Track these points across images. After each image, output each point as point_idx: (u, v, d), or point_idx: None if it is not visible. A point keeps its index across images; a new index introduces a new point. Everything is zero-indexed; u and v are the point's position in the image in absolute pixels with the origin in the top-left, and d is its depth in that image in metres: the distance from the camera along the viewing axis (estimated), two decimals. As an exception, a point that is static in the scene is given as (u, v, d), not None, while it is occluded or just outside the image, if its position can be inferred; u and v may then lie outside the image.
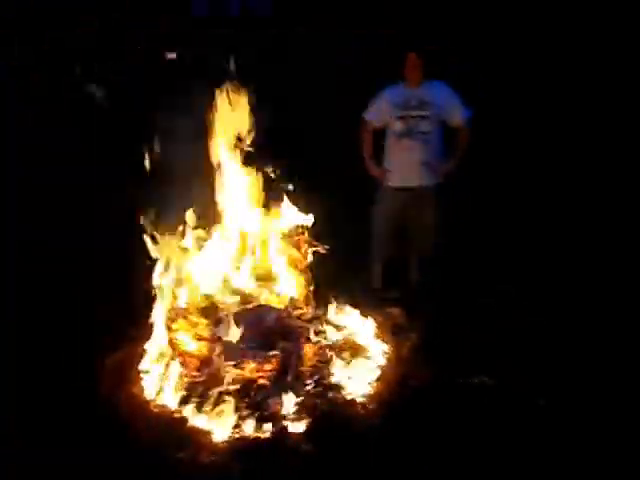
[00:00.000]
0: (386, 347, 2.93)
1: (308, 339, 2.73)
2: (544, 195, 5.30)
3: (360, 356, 2.82)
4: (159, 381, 2.61)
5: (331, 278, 3.50)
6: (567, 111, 6.18)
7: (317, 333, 2.86)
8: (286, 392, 2.49)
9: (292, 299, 3.00)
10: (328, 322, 2.99)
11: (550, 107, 6.31)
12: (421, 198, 4.30)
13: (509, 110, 6.27)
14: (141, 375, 2.69)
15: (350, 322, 3.07)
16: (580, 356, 2.95)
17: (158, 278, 2.81)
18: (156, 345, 2.73)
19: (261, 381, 2.56)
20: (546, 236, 4.69)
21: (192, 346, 2.69)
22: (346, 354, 2.81)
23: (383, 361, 2.83)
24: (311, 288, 3.13)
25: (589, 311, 3.44)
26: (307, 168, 5.07)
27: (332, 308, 3.09)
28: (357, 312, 3.12)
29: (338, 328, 2.98)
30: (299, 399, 2.48)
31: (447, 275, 4.27)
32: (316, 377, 2.60)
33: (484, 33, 6.76)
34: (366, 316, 3.13)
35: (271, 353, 2.62)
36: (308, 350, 2.68)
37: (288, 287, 3.05)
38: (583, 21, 6.42)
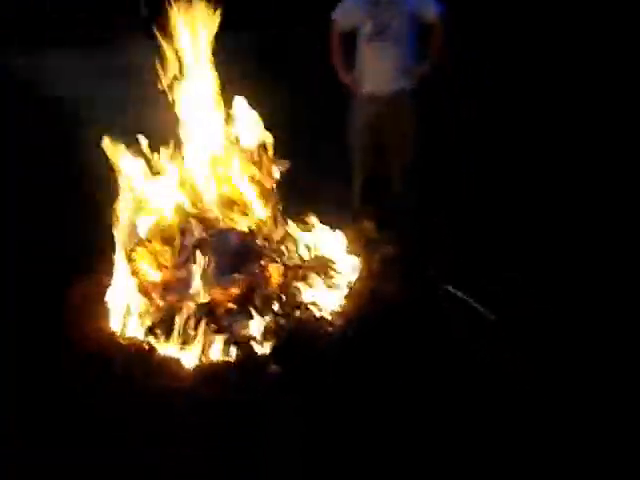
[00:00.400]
0: (357, 262, 2.86)
1: (274, 260, 2.64)
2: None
3: (330, 273, 2.75)
4: (125, 313, 2.56)
5: (304, 197, 3.39)
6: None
7: (285, 253, 2.78)
8: (252, 315, 2.45)
9: (259, 220, 2.90)
10: (297, 241, 2.90)
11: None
12: (397, 105, 4.09)
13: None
14: (106, 308, 2.64)
15: (321, 239, 2.98)
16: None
17: (117, 207, 2.70)
18: (119, 276, 2.66)
19: (228, 305, 2.51)
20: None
21: (155, 275, 2.62)
22: (316, 271, 2.74)
23: (354, 277, 2.76)
24: (279, 208, 3.02)
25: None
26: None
27: (301, 227, 3.00)
28: (328, 228, 3.02)
29: (307, 246, 2.90)
30: (266, 321, 2.43)
31: (427, 188, 4.13)
32: (283, 297, 2.54)
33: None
34: (338, 232, 3.03)
35: (236, 276, 2.55)
36: (275, 271, 2.60)
37: (254, 208, 2.93)
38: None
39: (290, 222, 3.00)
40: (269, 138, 2.97)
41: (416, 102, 4.10)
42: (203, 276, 2.53)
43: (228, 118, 2.95)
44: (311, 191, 3.86)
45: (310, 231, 3.00)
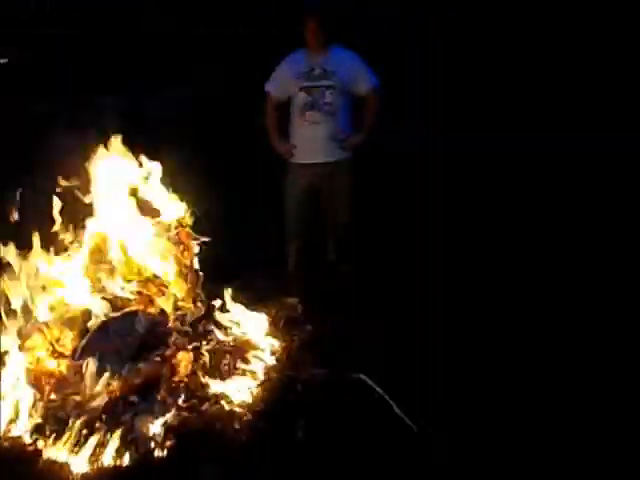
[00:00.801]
0: (276, 345, 2.70)
1: (184, 345, 2.46)
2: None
3: (246, 358, 2.58)
4: (12, 409, 2.31)
5: (228, 270, 3.25)
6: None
7: (199, 336, 2.60)
8: (154, 409, 2.23)
9: (174, 300, 2.72)
10: (214, 322, 2.73)
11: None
12: (331, 174, 4.06)
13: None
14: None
15: (240, 319, 2.82)
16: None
17: (11, 289, 2.49)
18: (11, 367, 2.42)
19: (129, 398, 2.29)
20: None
21: (50, 364, 2.40)
22: (230, 357, 2.56)
23: (270, 361, 2.59)
24: (199, 285, 2.86)
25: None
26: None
27: (220, 305, 2.83)
28: (248, 307, 2.86)
29: (224, 327, 2.72)
30: (168, 416, 2.22)
31: (361, 260, 4.04)
32: (191, 388, 2.34)
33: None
34: (259, 310, 2.88)
35: (140, 365, 2.35)
36: (183, 358, 2.41)
37: (170, 288, 2.76)
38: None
39: (208, 300, 2.84)
40: (187, 211, 2.86)
41: (351, 171, 4.08)
42: (103, 366, 2.32)
43: (143, 191, 2.83)
44: (240, 260, 3.76)
45: (229, 310, 2.84)
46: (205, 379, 2.39)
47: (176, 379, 2.36)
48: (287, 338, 2.71)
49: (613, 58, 5.66)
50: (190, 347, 2.49)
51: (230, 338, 2.68)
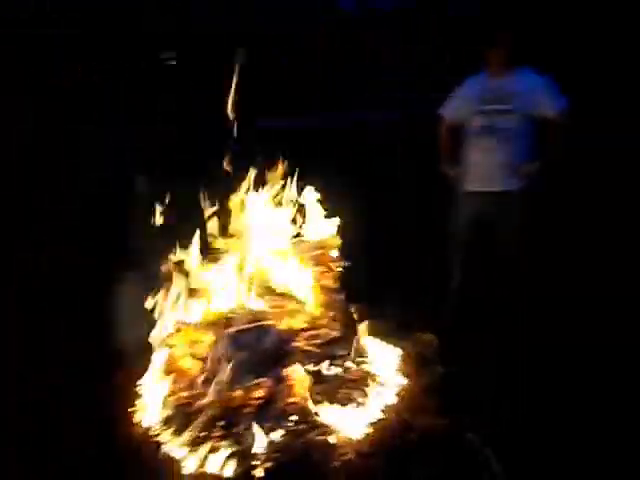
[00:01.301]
0: (400, 382, 2.54)
1: (304, 366, 2.44)
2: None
3: (366, 391, 2.47)
4: (149, 398, 2.53)
5: (372, 296, 3.17)
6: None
7: (323, 359, 2.56)
8: (264, 426, 2.26)
9: (308, 320, 2.74)
10: (344, 347, 2.68)
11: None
12: (503, 204, 3.76)
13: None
14: (138, 391, 2.63)
15: (371, 348, 2.72)
16: None
17: (170, 288, 2.73)
18: (155, 361, 2.66)
19: (245, 410, 2.35)
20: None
21: (186, 363, 2.57)
22: (350, 386, 2.48)
23: (390, 399, 2.44)
24: (335, 308, 2.84)
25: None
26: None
27: (354, 331, 2.77)
28: (382, 337, 2.75)
29: (353, 355, 2.65)
30: (274, 437, 2.22)
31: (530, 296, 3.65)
32: (303, 412, 2.31)
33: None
34: (393, 342, 2.75)
35: (260, 380, 2.40)
36: (302, 379, 2.40)
37: (306, 307, 2.79)
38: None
39: (343, 325, 2.80)
40: (335, 234, 2.87)
41: (525, 202, 3.72)
42: (227, 375, 2.41)
43: (295, 210, 2.91)
44: (385, 287, 3.66)
45: (362, 337, 2.76)
46: (318, 405, 2.35)
47: (290, 400, 2.36)
48: (414, 377, 2.53)
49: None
50: (310, 369, 2.47)
51: (355, 367, 2.60)
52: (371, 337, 2.78)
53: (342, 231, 2.92)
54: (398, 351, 2.73)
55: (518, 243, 3.79)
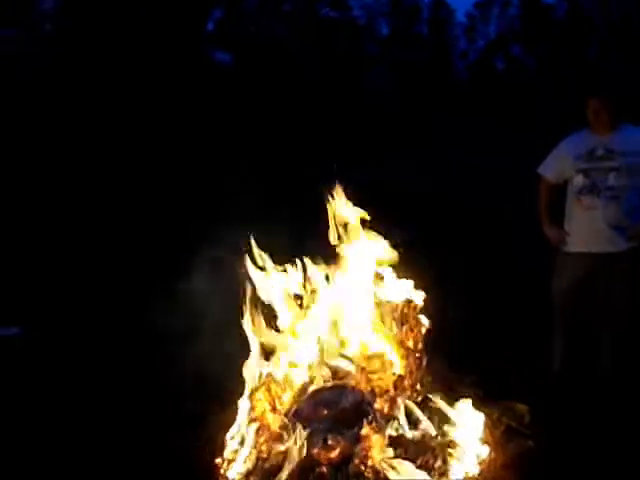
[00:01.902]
0: (484, 453, 2.41)
1: (380, 430, 2.42)
2: None
3: (447, 459, 2.38)
4: (234, 447, 2.63)
5: (460, 360, 3.09)
6: None
7: (404, 424, 2.52)
8: (337, 488, 2.25)
9: (390, 382, 2.72)
10: (428, 411, 2.62)
11: None
12: (610, 266, 3.52)
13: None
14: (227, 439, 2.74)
15: (457, 414, 2.63)
16: None
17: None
18: (242, 413, 2.76)
19: (322, 469, 2.37)
20: None
21: (269, 418, 2.65)
22: (430, 453, 2.40)
23: (472, 470, 2.33)
24: (421, 369, 2.80)
25: None
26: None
27: (441, 396, 2.71)
28: (468, 404, 2.65)
29: (436, 420, 2.58)
30: (348, 499, 2.21)
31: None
32: (378, 476, 2.28)
33: None
34: (482, 409, 2.64)
35: (339, 438, 2.41)
36: (378, 442, 2.37)
37: (391, 368, 2.78)
38: None
39: (431, 387, 2.75)
40: (418, 295, 2.87)
41: (635, 266, 3.46)
42: (306, 432, 2.45)
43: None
44: (482, 349, 3.52)
45: (449, 401, 2.68)
46: (395, 470, 2.30)
47: (367, 461, 2.34)
48: (499, 449, 2.40)
49: None
50: (390, 433, 2.44)
51: (437, 433, 2.53)
52: (457, 403, 2.68)
53: (430, 291, 2.91)
54: (485, 419, 2.61)
55: (630, 314, 3.49)
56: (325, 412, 2.53)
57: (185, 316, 3.26)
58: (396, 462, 2.34)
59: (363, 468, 2.32)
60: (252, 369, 2.80)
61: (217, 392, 2.92)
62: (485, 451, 2.45)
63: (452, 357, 3.02)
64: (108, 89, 6.22)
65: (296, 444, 2.45)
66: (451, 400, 2.70)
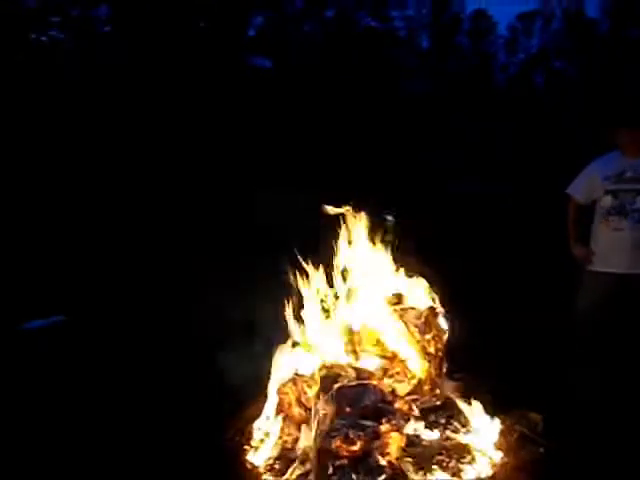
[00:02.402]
0: (496, 458, 2.53)
1: (399, 429, 2.56)
2: None
3: (460, 461, 2.51)
4: (261, 437, 2.81)
5: (479, 367, 3.19)
6: None
7: (422, 424, 2.66)
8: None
9: (411, 384, 2.86)
10: (443, 415, 2.74)
11: None
12: (635, 287, 3.58)
13: None
14: (253, 430, 2.92)
15: (472, 419, 2.75)
16: None
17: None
18: (269, 405, 2.94)
19: (342, 461, 2.52)
20: None
21: (295, 411, 2.81)
22: (446, 455, 2.53)
23: (484, 473, 2.45)
24: (441, 375, 2.94)
25: None
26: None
27: (459, 401, 2.83)
28: (487, 409, 2.77)
29: (452, 424, 2.70)
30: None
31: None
32: (394, 472, 2.42)
33: None
34: (497, 415, 2.75)
35: (358, 434, 2.56)
36: (396, 440, 2.52)
37: (411, 371, 2.92)
38: None
39: (447, 393, 2.87)
40: (437, 302, 3.00)
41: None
42: (328, 426, 2.61)
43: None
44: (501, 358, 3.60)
45: (466, 406, 2.81)
46: (411, 467, 2.44)
47: (384, 457, 2.48)
48: (512, 454, 2.52)
49: None
50: (408, 432, 2.58)
51: (454, 436, 2.66)
52: (474, 408, 2.80)
53: (452, 299, 3.04)
54: (500, 425, 2.72)
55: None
56: (348, 409, 2.68)
57: (228, 315, 3.44)
58: (413, 460, 2.47)
59: (381, 463, 2.46)
60: (281, 365, 2.97)
61: (251, 387, 3.08)
62: (498, 456, 2.57)
63: (468, 363, 3.13)
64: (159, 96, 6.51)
65: (318, 436, 2.61)
66: (467, 405, 2.83)
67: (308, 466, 2.54)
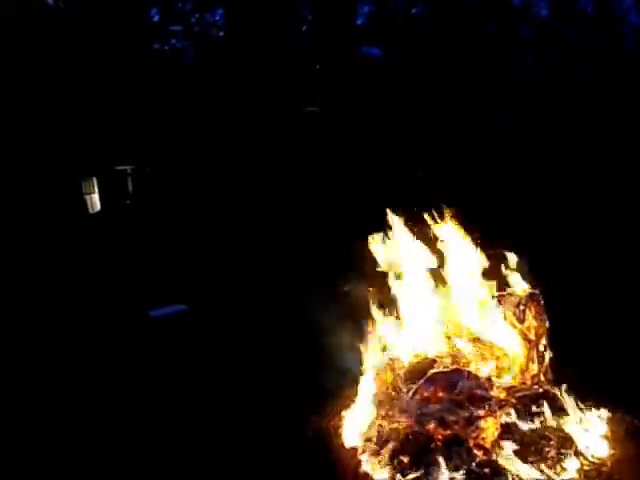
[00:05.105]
0: (602, 453, 2.38)
1: (494, 415, 2.50)
2: None
3: (563, 452, 2.39)
4: (357, 421, 2.88)
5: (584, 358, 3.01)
6: None
7: (519, 413, 2.57)
8: (449, 463, 2.39)
9: (508, 373, 2.78)
10: (544, 405, 2.63)
11: None
12: None
13: None
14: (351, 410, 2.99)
15: (577, 412, 2.61)
16: None
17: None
18: (366, 388, 2.99)
19: (435, 444, 2.52)
20: None
21: (389, 395, 2.84)
22: (545, 446, 2.43)
23: (589, 467, 2.32)
24: (542, 364, 2.82)
25: None
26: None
27: (561, 391, 2.70)
28: (590, 403, 2.62)
29: (553, 415, 2.58)
30: (458, 475, 2.34)
31: None
32: (487, 459, 2.38)
33: None
34: (602, 412, 2.59)
35: (452, 418, 2.54)
36: (491, 426, 2.46)
37: (509, 359, 2.83)
38: None
39: (548, 383, 2.75)
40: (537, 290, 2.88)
41: None
42: (423, 409, 2.62)
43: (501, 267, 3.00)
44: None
45: (569, 397, 2.67)
46: (505, 455, 2.38)
47: (478, 443, 2.45)
48: (619, 448, 2.36)
49: None
50: (504, 420, 2.51)
51: (555, 427, 2.54)
52: (578, 400, 2.66)
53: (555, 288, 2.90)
54: (607, 418, 2.56)
55: None
56: (442, 394, 2.68)
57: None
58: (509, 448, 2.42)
59: (475, 449, 2.43)
60: (375, 350, 3.03)
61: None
62: (603, 450, 2.42)
63: (569, 354, 2.96)
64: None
65: (413, 418, 2.63)
66: (569, 395, 2.69)
67: (402, 448, 2.57)
